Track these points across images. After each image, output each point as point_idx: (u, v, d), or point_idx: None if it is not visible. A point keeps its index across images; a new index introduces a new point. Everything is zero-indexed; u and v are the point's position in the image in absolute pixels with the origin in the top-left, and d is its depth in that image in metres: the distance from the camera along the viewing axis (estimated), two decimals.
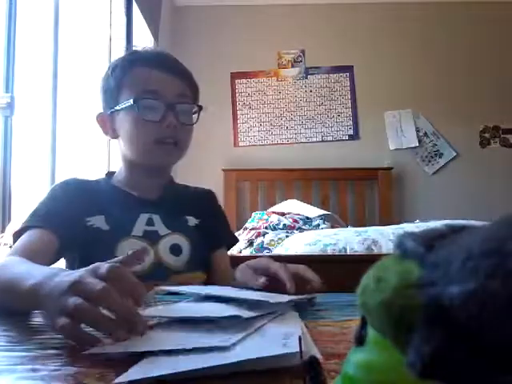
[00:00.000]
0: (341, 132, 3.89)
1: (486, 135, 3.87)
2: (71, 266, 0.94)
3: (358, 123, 3.89)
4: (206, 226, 1.04)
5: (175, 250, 0.96)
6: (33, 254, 0.79)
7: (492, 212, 3.12)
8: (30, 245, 0.84)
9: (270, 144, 3.86)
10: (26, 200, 2.00)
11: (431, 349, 0.13)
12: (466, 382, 0.13)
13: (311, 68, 3.93)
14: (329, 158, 3.80)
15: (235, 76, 3.89)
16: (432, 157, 3.86)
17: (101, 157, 2.76)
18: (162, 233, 0.96)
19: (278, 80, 3.92)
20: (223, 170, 3.62)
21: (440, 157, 3.85)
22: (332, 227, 2.80)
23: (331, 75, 3.92)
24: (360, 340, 0.20)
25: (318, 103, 3.91)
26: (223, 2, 3.85)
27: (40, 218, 0.89)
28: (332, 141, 3.89)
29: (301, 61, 3.95)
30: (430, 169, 3.86)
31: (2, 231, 1.62)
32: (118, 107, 0.97)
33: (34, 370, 0.41)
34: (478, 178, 3.78)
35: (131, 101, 0.94)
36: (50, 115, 2.11)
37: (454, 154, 3.84)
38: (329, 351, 0.45)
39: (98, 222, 0.93)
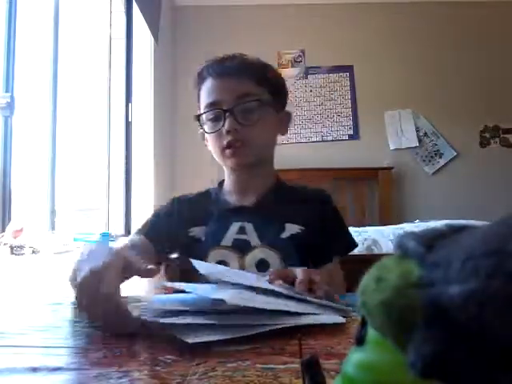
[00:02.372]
0: (341, 132, 3.89)
1: (486, 135, 3.87)
2: None
3: (358, 123, 3.89)
4: (312, 234, 0.98)
5: (262, 265, 0.94)
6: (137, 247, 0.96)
7: (492, 212, 3.12)
8: (135, 241, 1.00)
9: None
10: (26, 200, 2.00)
11: (431, 349, 0.13)
12: (467, 382, 0.13)
13: (311, 68, 3.93)
14: (329, 157, 3.80)
15: None
16: (432, 156, 3.86)
17: (101, 156, 2.76)
18: (253, 243, 0.95)
19: None
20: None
21: (440, 156, 3.85)
22: None
23: (331, 75, 3.92)
24: (360, 340, 0.20)
25: (317, 103, 3.91)
26: (223, 2, 3.85)
27: (142, 229, 1.05)
28: (332, 141, 3.89)
29: (301, 61, 3.95)
30: (430, 169, 3.86)
31: (2, 231, 1.62)
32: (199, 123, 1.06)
33: (34, 370, 0.41)
34: (478, 177, 3.78)
35: (197, 118, 1.03)
36: (49, 115, 2.11)
37: (455, 153, 3.84)
38: (329, 351, 0.45)
39: (198, 232, 1.01)
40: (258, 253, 0.94)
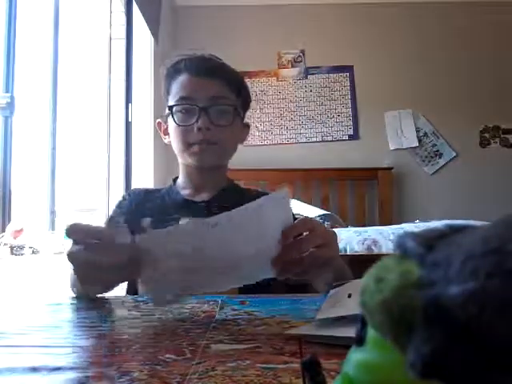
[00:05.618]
0: (341, 132, 3.89)
1: (486, 135, 3.87)
2: None
3: (358, 123, 3.89)
4: None
5: None
6: None
7: (492, 212, 3.12)
8: None
9: (270, 144, 3.86)
10: (26, 200, 2.00)
11: (431, 349, 0.13)
12: (466, 382, 0.13)
13: (311, 68, 3.93)
14: (329, 157, 3.80)
15: None
16: (432, 157, 3.86)
17: (101, 156, 2.76)
18: None
19: (277, 80, 3.92)
20: None
21: (440, 157, 3.85)
22: (332, 227, 2.80)
23: (331, 75, 3.92)
24: (360, 340, 0.20)
25: (318, 103, 3.91)
26: (223, 2, 3.85)
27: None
28: (332, 141, 3.89)
29: (301, 61, 3.95)
30: (430, 169, 3.86)
31: (2, 231, 1.62)
32: (164, 114, 1.05)
33: (33, 370, 0.41)
34: (478, 178, 3.78)
35: (167, 109, 1.02)
36: (49, 115, 2.11)
37: (454, 154, 3.84)
38: (329, 351, 0.45)
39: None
40: None
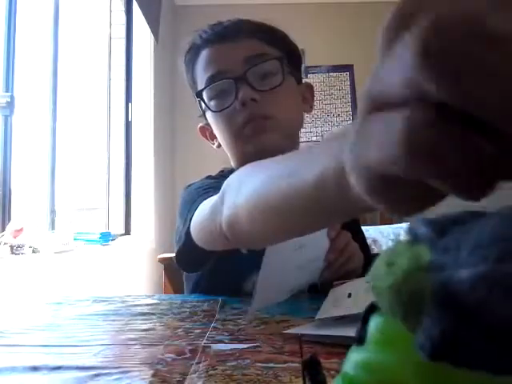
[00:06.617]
0: None
1: None
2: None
3: None
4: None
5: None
6: None
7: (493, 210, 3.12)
8: None
9: None
10: (26, 199, 2.00)
11: (441, 331, 0.14)
12: (476, 364, 0.14)
13: (311, 67, 3.93)
14: None
15: None
16: None
17: (101, 156, 2.76)
18: None
19: None
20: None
21: None
22: None
23: (331, 74, 3.92)
24: (360, 340, 0.20)
25: (317, 103, 3.91)
26: (223, 1, 3.85)
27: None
28: None
29: None
30: None
31: (2, 230, 1.62)
32: (200, 111, 0.83)
33: (34, 369, 0.41)
34: None
35: (196, 99, 0.80)
36: (49, 115, 2.11)
37: None
38: (329, 350, 0.45)
39: None
40: None
